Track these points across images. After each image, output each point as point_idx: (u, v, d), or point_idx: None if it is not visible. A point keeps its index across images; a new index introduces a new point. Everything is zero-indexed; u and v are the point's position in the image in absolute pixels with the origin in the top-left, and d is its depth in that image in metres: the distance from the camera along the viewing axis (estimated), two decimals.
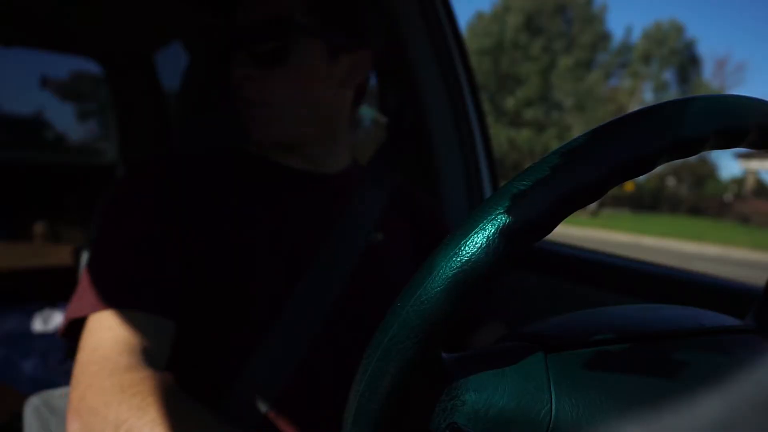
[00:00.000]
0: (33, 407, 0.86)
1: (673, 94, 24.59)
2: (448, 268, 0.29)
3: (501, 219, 0.29)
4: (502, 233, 0.28)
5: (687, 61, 25.44)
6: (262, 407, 0.70)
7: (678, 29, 24.97)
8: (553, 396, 0.32)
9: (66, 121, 2.90)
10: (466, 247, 0.29)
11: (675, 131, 0.30)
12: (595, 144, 0.30)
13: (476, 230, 0.29)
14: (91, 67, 2.30)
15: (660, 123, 0.30)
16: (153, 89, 2.11)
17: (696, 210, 19.60)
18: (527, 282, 1.15)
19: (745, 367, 0.19)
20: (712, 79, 25.74)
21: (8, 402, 1.36)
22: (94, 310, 0.64)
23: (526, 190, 0.29)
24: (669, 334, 0.37)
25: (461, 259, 0.28)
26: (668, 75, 25.61)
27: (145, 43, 2.02)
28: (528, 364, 0.33)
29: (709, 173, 25.47)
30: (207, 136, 0.95)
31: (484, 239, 0.28)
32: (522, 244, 0.29)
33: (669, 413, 0.16)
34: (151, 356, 0.62)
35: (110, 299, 0.64)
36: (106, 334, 0.62)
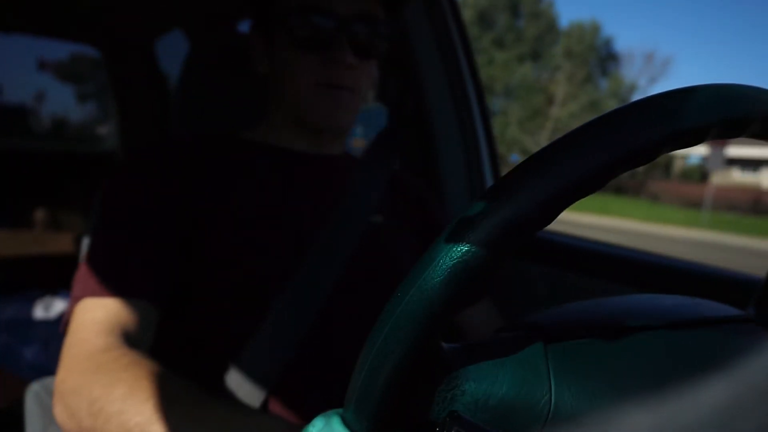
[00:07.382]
0: (34, 393, 0.86)
1: (593, 87, 27.42)
2: (448, 258, 0.28)
3: (501, 210, 0.28)
4: (502, 224, 0.28)
5: (606, 57, 28.36)
6: (261, 390, 0.70)
7: (595, 28, 27.90)
8: (552, 385, 0.32)
9: (66, 106, 2.88)
10: (467, 237, 0.28)
11: (677, 121, 0.30)
12: (595, 135, 0.30)
13: (477, 220, 0.29)
14: (91, 51, 2.29)
15: (662, 113, 0.30)
16: (153, 77, 2.09)
17: (619, 189, 22.55)
18: (528, 272, 1.15)
19: (747, 357, 0.19)
20: (641, 72, 28.68)
21: (9, 388, 1.37)
22: (83, 296, 0.66)
23: (527, 181, 0.29)
24: (670, 324, 0.37)
25: (462, 249, 0.28)
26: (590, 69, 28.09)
27: (146, 31, 2.00)
28: (527, 354, 0.33)
29: None
30: (207, 122, 0.95)
31: (485, 230, 0.28)
32: (522, 235, 0.29)
33: (671, 400, 0.16)
34: (129, 338, 0.63)
35: (96, 287, 0.66)
36: (87, 317, 0.65)
